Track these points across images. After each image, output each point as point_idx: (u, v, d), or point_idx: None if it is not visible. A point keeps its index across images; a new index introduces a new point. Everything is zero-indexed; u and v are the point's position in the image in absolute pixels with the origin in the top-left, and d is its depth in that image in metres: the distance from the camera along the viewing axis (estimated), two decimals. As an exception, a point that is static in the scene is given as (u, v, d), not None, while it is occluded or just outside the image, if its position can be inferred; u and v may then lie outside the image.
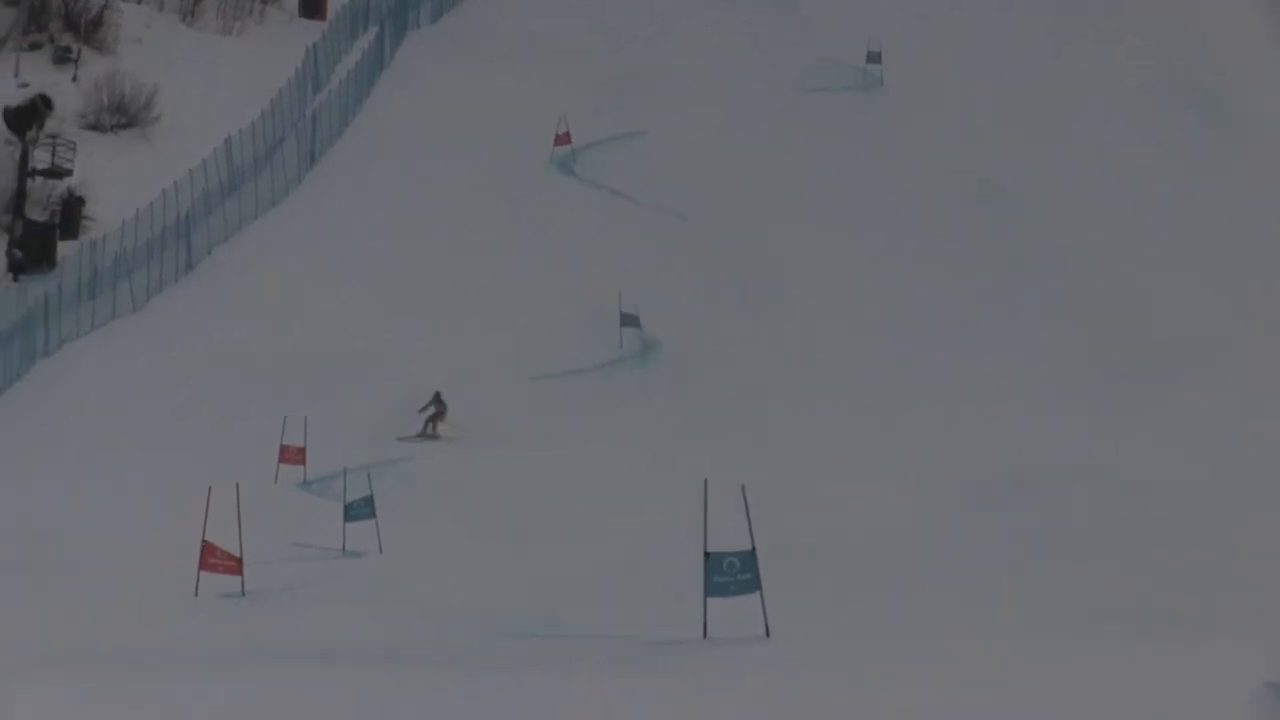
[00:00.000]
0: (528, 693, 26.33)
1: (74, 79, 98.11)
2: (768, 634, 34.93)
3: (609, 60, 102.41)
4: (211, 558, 48.52)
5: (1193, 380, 75.29)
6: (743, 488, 35.98)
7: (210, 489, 50.17)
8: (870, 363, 76.59)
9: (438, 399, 66.28)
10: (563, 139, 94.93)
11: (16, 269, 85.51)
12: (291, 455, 66.41)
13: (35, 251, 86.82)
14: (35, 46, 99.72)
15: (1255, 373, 74.64)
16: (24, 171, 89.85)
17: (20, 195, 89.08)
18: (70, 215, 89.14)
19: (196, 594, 47.28)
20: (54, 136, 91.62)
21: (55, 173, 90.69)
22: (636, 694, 27.01)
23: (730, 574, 36.41)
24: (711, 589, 36.15)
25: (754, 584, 35.93)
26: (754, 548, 35.59)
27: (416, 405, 72.17)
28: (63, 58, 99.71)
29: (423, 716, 23.86)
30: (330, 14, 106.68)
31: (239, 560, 48.14)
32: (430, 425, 62.99)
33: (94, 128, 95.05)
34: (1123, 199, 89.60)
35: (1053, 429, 70.45)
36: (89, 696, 23.41)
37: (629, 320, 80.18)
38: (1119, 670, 28.91)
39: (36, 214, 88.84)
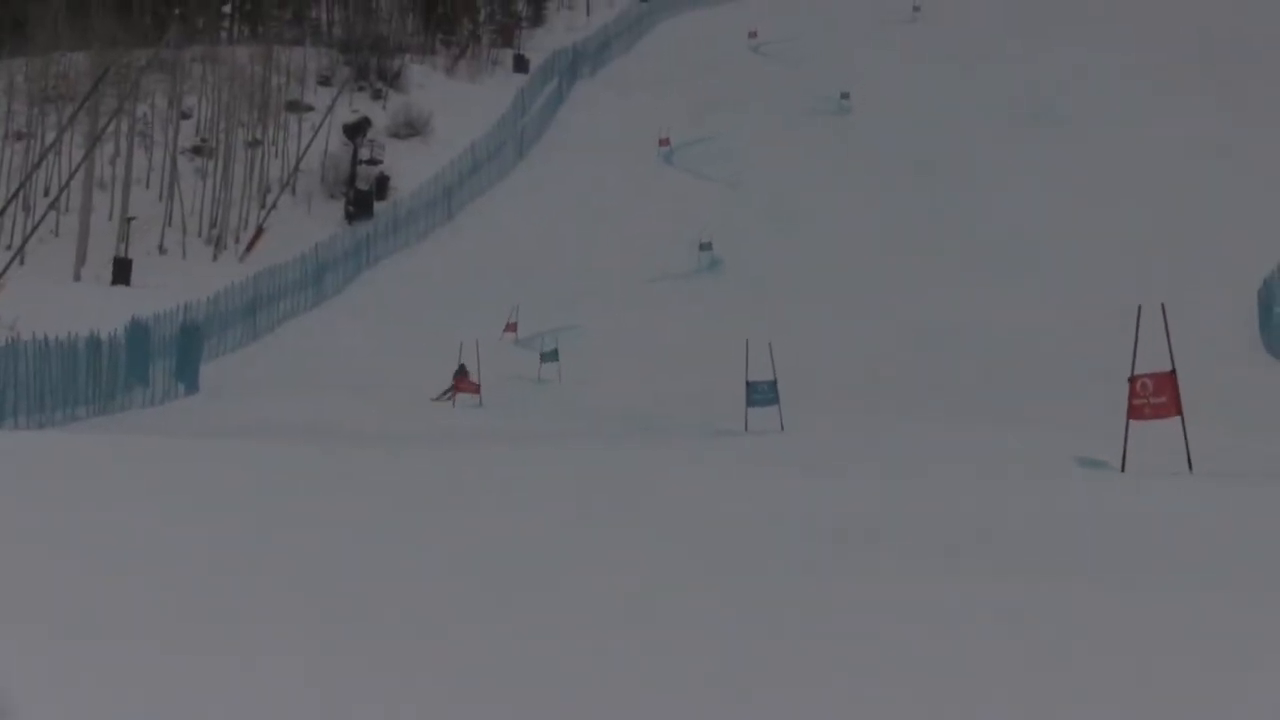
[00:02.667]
0: (646, 452, 27.78)
1: (384, 108, 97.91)
2: (782, 428, 36.02)
3: (696, 91, 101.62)
4: (462, 384, 49.80)
5: (1027, 270, 75.17)
6: (770, 344, 37.29)
7: (461, 343, 50.60)
8: (851, 270, 76.51)
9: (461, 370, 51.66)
10: (665, 141, 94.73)
11: (350, 218, 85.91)
12: (510, 328, 66.73)
13: (361, 207, 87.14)
14: (361, 89, 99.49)
15: (1067, 266, 74.50)
16: (355, 160, 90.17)
17: (353, 175, 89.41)
18: (381, 187, 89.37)
19: (453, 405, 48.39)
20: (372, 140, 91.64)
21: (373, 161, 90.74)
22: (706, 454, 28.35)
23: (761, 394, 38.67)
24: (750, 402, 38.39)
25: (775, 400, 37.93)
26: (775, 379, 37.37)
27: (577, 298, 72.59)
28: (377, 95, 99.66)
29: (580, 464, 24.11)
30: (531, 69, 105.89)
31: (478, 385, 48.94)
32: (450, 393, 50.80)
33: (395, 136, 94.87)
34: (997, 171, 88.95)
35: (950, 301, 70.66)
36: (382, 460, 23.54)
37: (705, 247, 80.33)
38: (997, 445, 28.93)
39: (362, 185, 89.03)
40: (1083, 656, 8.43)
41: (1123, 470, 22.29)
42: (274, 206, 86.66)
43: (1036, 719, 7.35)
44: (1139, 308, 23.38)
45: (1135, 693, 7.76)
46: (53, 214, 78.60)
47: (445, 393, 50.50)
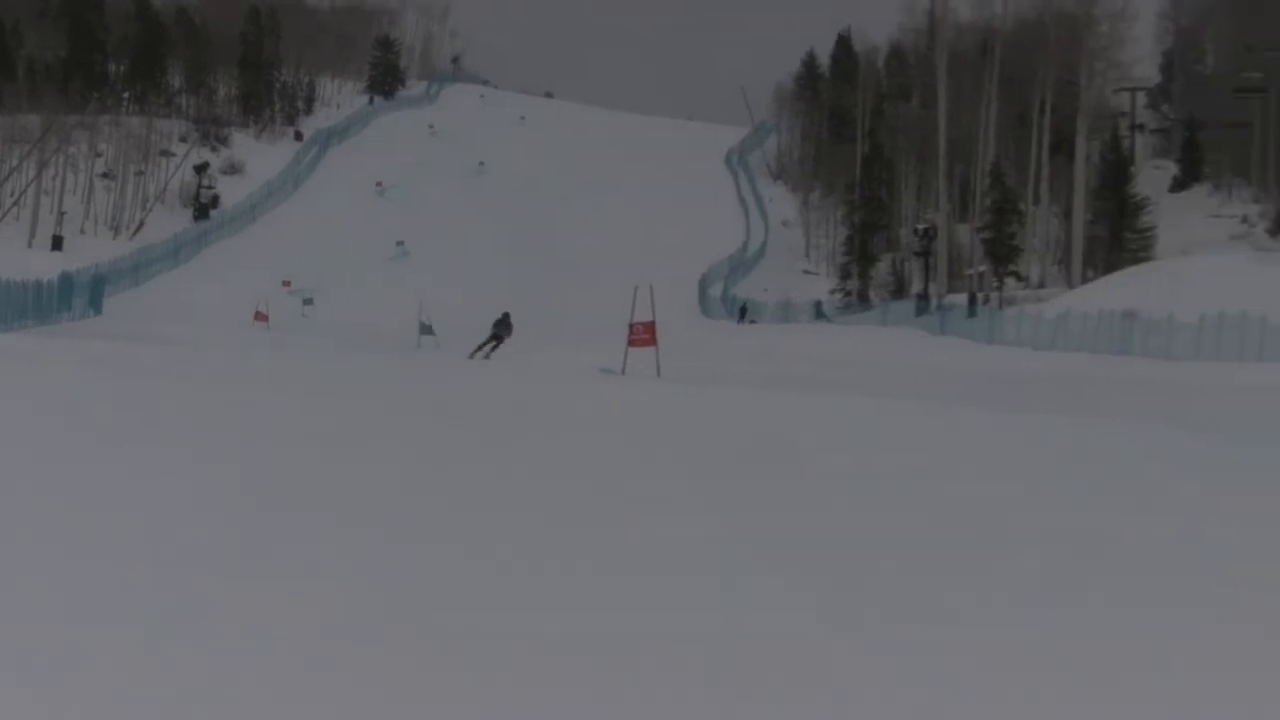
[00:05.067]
0: (365, 356, 25.63)
1: (217, 156, 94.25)
2: (438, 347, 34.60)
3: (397, 156, 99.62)
4: (259, 316, 48.13)
5: (578, 270, 75.67)
6: (434, 301, 36.07)
7: (260, 297, 49.21)
8: (479, 260, 76.05)
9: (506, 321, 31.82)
10: (379, 184, 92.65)
11: (196, 219, 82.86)
12: (285, 284, 65.00)
13: (202, 213, 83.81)
14: (204, 145, 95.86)
15: (605, 267, 75.14)
16: (199, 186, 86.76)
17: (198, 194, 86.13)
18: (214, 202, 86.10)
19: (252, 325, 46.29)
20: (210, 175, 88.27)
21: (209, 188, 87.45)
22: (404, 360, 26.04)
23: (426, 328, 37.66)
24: (421, 331, 36.80)
25: (433, 332, 36.90)
26: (430, 321, 36.00)
27: (329, 270, 70.44)
28: (213, 149, 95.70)
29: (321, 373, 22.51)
30: (305, 139, 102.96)
31: (268, 317, 47.66)
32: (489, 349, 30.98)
33: (223, 173, 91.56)
34: (567, 211, 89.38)
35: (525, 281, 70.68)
36: (203, 354, 22.78)
37: (400, 244, 79.01)
38: (563, 360, 28.92)
39: (203, 200, 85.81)
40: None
41: (623, 373, 22.90)
42: (151, 210, 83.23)
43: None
44: (635, 288, 24.16)
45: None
46: (15, 209, 75.60)
47: (485, 346, 30.84)
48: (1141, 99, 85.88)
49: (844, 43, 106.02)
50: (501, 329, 27.52)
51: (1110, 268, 59.03)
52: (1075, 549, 6.44)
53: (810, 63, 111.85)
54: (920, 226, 68.78)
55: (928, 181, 76.49)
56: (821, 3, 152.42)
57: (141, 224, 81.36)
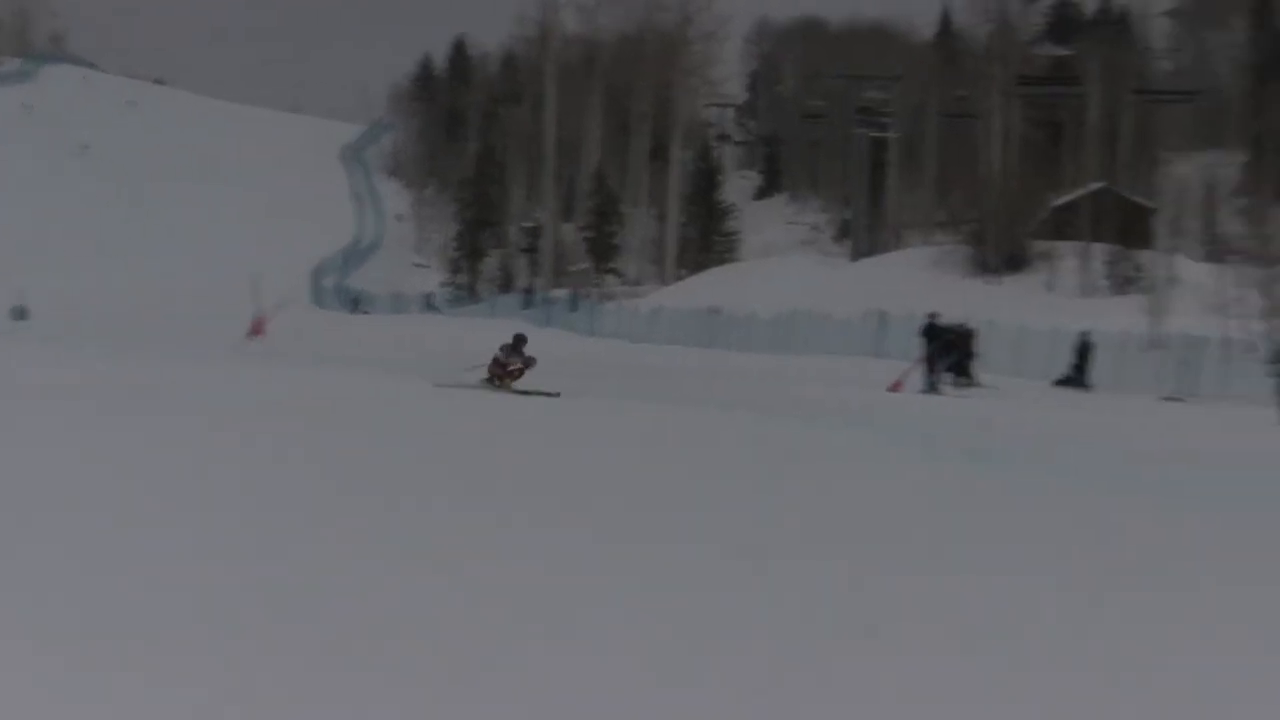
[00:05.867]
0: None
1: None
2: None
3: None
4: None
5: (187, 259, 72.04)
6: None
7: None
8: (92, 239, 70.87)
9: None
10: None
11: None
12: None
13: None
14: None
15: (223, 259, 71.53)
16: None
17: None
18: None
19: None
20: None
21: None
22: None
23: (18, 315, 34.00)
24: (13, 317, 33.46)
25: (24, 316, 33.31)
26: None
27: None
28: None
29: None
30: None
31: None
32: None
33: None
34: (179, 204, 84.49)
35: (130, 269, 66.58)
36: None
37: None
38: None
39: None
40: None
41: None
42: None
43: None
44: (251, 279, 23.95)
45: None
46: None
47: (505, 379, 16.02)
48: (729, 114, 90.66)
49: (460, 47, 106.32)
50: (519, 357, 16.29)
51: (700, 267, 62.08)
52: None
53: (426, 64, 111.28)
54: (527, 224, 69.95)
55: (536, 182, 77.67)
56: (438, 8, 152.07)
57: None
